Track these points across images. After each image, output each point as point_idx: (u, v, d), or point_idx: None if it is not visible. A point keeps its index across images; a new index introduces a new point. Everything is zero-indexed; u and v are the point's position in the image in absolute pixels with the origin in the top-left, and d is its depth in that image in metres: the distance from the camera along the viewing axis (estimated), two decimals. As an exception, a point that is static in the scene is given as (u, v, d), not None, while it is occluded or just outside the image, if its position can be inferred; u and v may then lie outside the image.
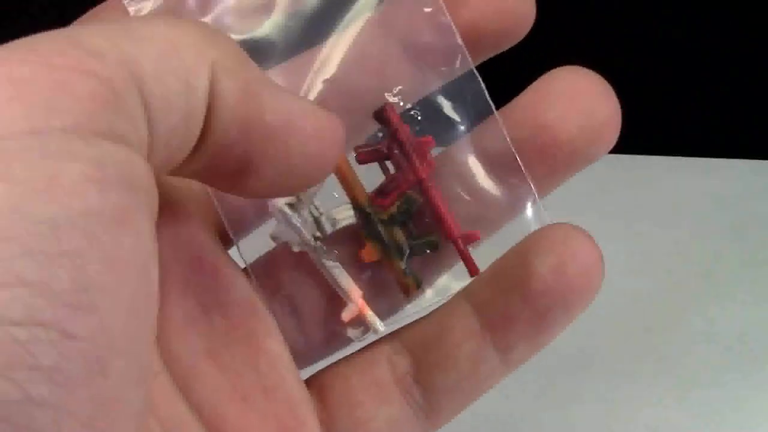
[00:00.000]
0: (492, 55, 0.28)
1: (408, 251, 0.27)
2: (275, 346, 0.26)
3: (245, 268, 0.27)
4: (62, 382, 0.18)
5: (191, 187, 0.26)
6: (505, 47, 0.28)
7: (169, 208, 0.25)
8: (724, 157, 0.51)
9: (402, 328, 0.28)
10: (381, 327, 0.27)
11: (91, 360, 0.18)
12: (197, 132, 0.22)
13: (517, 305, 0.26)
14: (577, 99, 0.26)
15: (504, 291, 0.26)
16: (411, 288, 0.27)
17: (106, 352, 0.18)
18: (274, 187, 0.23)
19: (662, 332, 0.43)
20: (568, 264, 0.25)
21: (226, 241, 0.27)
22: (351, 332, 0.27)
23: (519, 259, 0.26)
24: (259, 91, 0.22)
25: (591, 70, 0.27)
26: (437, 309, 0.27)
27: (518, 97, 0.28)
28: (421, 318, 0.27)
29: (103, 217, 0.19)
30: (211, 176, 0.23)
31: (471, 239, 0.27)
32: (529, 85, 0.29)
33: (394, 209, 0.27)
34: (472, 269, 0.27)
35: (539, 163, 0.27)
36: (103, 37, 0.20)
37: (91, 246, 0.18)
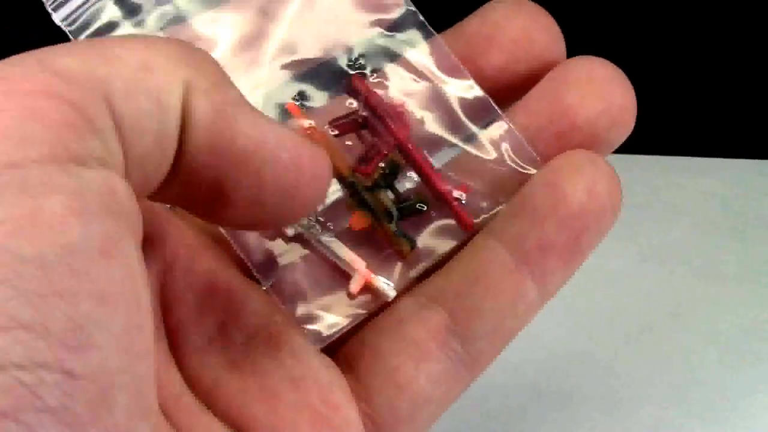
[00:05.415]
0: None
1: (397, 214, 0.27)
2: (297, 339, 0.26)
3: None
4: (71, 422, 0.18)
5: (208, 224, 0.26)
6: None
7: (182, 246, 0.25)
8: (724, 157, 0.51)
9: (424, 282, 0.27)
10: (391, 291, 0.27)
11: (96, 398, 0.18)
12: (171, 154, 0.21)
13: (553, 231, 0.26)
14: (593, 85, 0.27)
15: (537, 220, 0.26)
16: (405, 250, 0.27)
17: (108, 388, 0.18)
18: (250, 218, 0.22)
19: (662, 332, 0.43)
20: (598, 183, 0.26)
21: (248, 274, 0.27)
22: (361, 302, 0.27)
23: (546, 188, 0.26)
24: (234, 114, 0.21)
25: (604, 59, 0.27)
26: (462, 254, 0.27)
27: (535, 87, 0.28)
28: (445, 267, 0.27)
29: (88, 250, 0.18)
30: (187, 202, 0.23)
31: (462, 192, 0.27)
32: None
33: (377, 175, 0.27)
34: (466, 222, 0.27)
35: (558, 150, 0.27)
36: (73, 56, 0.20)
37: (80, 282, 0.18)
